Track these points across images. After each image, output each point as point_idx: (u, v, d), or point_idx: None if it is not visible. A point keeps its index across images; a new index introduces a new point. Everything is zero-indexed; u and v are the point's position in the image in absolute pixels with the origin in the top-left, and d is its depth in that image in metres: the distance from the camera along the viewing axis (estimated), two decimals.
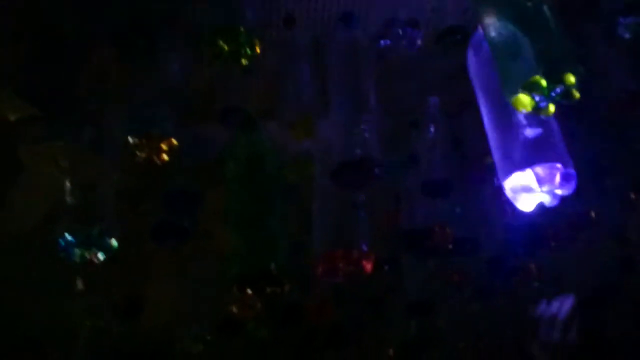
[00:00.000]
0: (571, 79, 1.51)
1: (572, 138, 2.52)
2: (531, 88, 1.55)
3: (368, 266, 2.02)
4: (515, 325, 3.99)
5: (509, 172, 1.80)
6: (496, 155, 1.90)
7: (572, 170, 1.72)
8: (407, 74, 2.51)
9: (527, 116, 1.86)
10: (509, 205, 2.36)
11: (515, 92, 1.59)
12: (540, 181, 1.72)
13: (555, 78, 1.51)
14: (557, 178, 1.71)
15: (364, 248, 1.98)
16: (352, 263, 1.99)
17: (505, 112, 1.87)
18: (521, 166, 1.76)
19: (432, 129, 2.45)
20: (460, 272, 3.10)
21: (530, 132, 1.83)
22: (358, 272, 2.00)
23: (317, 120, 2.36)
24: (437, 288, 3.16)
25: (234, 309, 2.74)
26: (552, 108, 1.57)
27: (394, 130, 2.54)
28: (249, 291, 1.99)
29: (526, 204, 1.78)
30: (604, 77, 2.47)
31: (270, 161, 2.32)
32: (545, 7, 1.63)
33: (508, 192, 1.82)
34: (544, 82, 1.52)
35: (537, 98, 1.57)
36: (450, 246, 2.68)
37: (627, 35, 2.27)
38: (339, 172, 1.89)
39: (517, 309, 3.72)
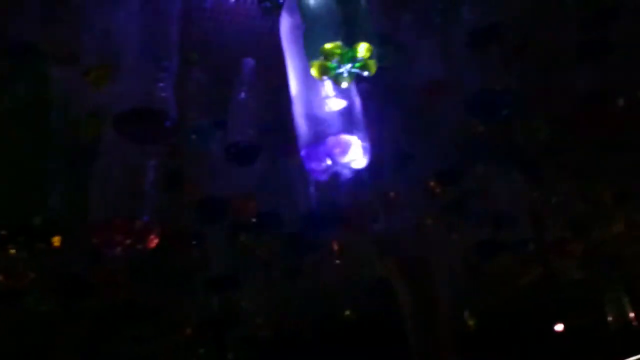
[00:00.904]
0: (365, 50, 1.48)
1: (380, 122, 2.59)
2: (328, 54, 1.49)
3: (153, 240, 1.81)
4: (319, 305, 4.07)
5: (308, 141, 1.74)
6: (300, 124, 1.83)
7: (367, 144, 1.70)
8: (222, 32, 2.34)
9: (333, 88, 1.82)
10: (311, 178, 2.32)
11: (315, 58, 1.53)
12: (336, 153, 1.68)
13: (349, 47, 1.48)
14: (352, 151, 1.69)
15: (147, 219, 1.77)
16: (133, 235, 1.78)
17: (311, 80, 1.81)
18: (320, 136, 1.71)
19: (244, 91, 2.31)
20: (266, 249, 3.04)
21: (333, 104, 1.79)
22: (142, 246, 1.80)
23: (116, 70, 2.10)
24: (242, 265, 3.07)
25: (1, 278, 2.36)
26: (346, 79, 1.54)
27: (204, 88, 2.37)
28: (12, 250, 1.71)
29: (322, 174, 1.74)
30: (412, 65, 2.56)
31: (56, 110, 2.02)
32: None
33: (307, 162, 1.76)
34: (339, 50, 1.48)
35: (337, 66, 1.53)
36: (254, 220, 2.59)
37: (437, 20, 2.36)
38: (125, 121, 1.67)
39: (321, 289, 3.79)
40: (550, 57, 2.82)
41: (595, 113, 2.73)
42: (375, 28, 1.63)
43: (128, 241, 1.79)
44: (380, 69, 1.58)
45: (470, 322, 3.65)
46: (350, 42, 1.52)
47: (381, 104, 2.39)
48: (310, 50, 1.57)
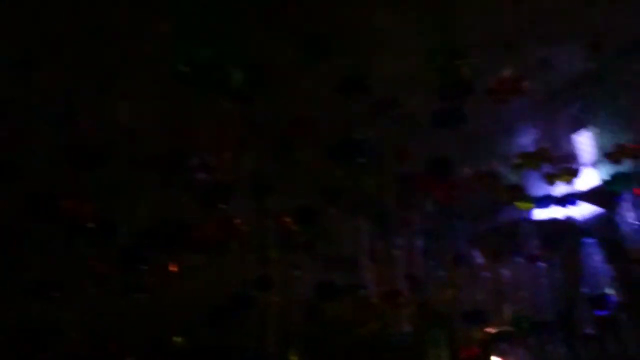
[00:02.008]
0: None
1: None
2: None
3: None
4: (150, 327, 3.85)
5: None
6: None
7: None
8: None
9: None
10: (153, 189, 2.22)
11: None
12: None
13: None
14: None
15: None
16: None
17: None
18: None
19: None
20: (100, 260, 2.84)
21: None
22: None
23: None
24: (71, 273, 2.84)
25: None
26: None
27: None
28: None
29: None
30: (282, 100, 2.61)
31: None
32: None
33: None
34: None
35: None
36: (92, 225, 2.42)
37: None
38: None
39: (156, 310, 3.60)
40: (411, 119, 3.02)
41: (439, 179, 2.94)
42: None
43: None
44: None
45: (293, 358, 3.66)
46: None
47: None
48: None
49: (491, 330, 3.76)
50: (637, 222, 3.76)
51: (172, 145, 2.20)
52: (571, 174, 3.24)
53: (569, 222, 3.89)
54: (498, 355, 4.40)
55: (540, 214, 3.89)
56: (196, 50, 1.52)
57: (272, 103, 2.84)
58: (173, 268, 2.81)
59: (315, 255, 3.26)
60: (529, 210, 3.75)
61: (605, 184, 3.17)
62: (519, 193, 3.28)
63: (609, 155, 2.90)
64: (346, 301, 3.34)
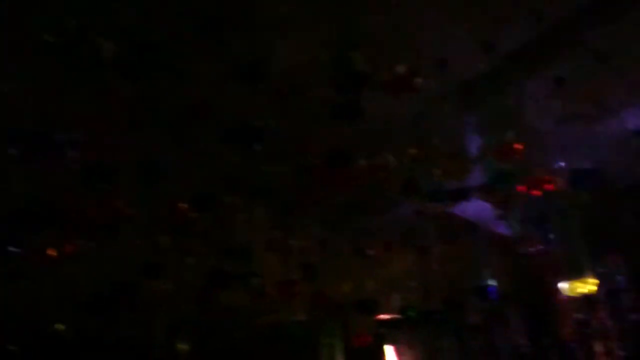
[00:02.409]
0: None
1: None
2: None
3: None
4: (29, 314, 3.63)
5: None
6: None
7: None
8: None
9: None
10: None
11: None
12: None
13: None
14: None
15: None
16: None
17: None
18: None
19: None
20: None
21: None
22: None
23: None
24: None
25: None
26: None
27: None
28: None
29: None
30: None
31: None
32: None
33: None
34: None
35: None
36: None
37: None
38: None
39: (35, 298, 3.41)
40: (309, 109, 3.02)
41: (337, 170, 2.97)
42: None
43: None
44: None
45: (182, 348, 3.59)
46: None
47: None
48: None
49: (382, 318, 3.87)
50: (523, 218, 3.98)
51: (37, 120, 2.05)
52: (463, 170, 3.39)
53: (460, 216, 4.07)
54: (390, 343, 4.56)
55: (434, 207, 4.03)
56: (63, 19, 1.42)
57: (169, 85, 2.74)
58: (52, 252, 2.64)
59: (210, 243, 3.20)
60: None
61: (491, 180, 3.32)
62: (413, 187, 3.38)
63: (494, 152, 3.05)
64: (240, 290, 3.31)
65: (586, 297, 3.76)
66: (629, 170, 3.89)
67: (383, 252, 3.79)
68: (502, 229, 4.26)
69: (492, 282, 3.51)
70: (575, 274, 3.23)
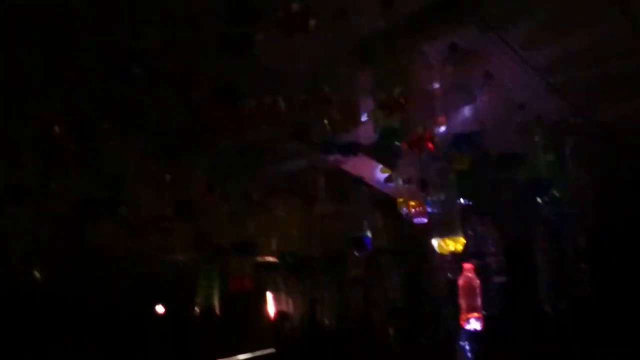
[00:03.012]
0: None
1: None
2: None
3: None
4: None
5: None
6: None
7: None
8: None
9: None
10: None
11: None
12: None
13: None
14: None
15: None
16: None
17: None
18: None
19: None
20: None
21: None
22: None
23: None
24: None
25: None
26: None
27: None
28: None
29: None
30: None
31: None
32: None
33: None
34: None
35: None
36: None
37: None
38: None
39: None
40: (196, 46, 2.89)
41: (224, 108, 2.89)
42: None
43: None
44: None
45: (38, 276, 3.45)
46: None
47: None
48: None
49: (260, 261, 3.90)
50: (406, 179, 4.09)
51: None
52: (352, 122, 3.41)
53: (348, 172, 4.15)
54: (270, 291, 4.62)
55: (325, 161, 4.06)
56: None
57: None
58: None
59: (79, 169, 3.03)
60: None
61: (379, 136, 3.38)
62: (303, 133, 3.38)
63: (381, 106, 3.09)
64: (109, 222, 3.20)
65: (456, 257, 3.99)
66: (509, 141, 4.09)
67: (268, 197, 3.80)
68: (387, 188, 4.40)
69: (368, 234, 3.62)
70: (446, 232, 3.38)
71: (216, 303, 3.83)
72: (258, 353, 6.42)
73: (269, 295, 4.64)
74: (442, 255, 4.05)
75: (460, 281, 4.22)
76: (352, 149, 3.83)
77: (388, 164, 4.24)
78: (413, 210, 3.94)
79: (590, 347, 5.25)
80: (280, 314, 4.63)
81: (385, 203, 4.31)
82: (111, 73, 2.51)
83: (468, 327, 4.04)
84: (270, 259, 3.92)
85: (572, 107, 3.85)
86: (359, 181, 4.02)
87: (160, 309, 5.33)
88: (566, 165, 3.77)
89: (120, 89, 2.75)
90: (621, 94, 3.75)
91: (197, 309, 3.79)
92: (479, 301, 4.20)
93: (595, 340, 5.26)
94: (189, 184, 3.42)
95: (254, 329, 5.80)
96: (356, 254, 3.90)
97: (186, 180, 3.42)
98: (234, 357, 6.50)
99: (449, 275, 4.33)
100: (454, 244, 3.43)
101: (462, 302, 4.14)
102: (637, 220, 5.07)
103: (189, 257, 3.75)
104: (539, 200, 3.69)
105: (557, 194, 3.63)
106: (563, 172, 3.72)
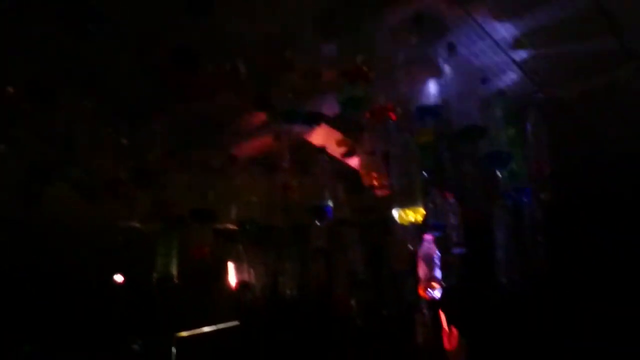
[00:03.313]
0: None
1: None
2: None
3: None
4: None
5: None
6: None
7: None
8: None
9: None
10: None
11: None
12: None
13: None
14: None
15: None
16: None
17: None
18: None
19: None
20: None
21: None
22: None
23: None
24: None
25: None
26: None
27: None
28: None
29: None
30: None
31: None
32: None
33: None
34: None
35: None
36: None
37: None
38: None
39: None
40: (155, 5, 2.80)
41: (183, 71, 2.82)
42: None
43: None
44: None
45: None
46: None
47: None
48: None
49: (220, 228, 3.87)
50: (370, 151, 4.08)
51: None
52: (314, 89, 3.38)
53: (313, 143, 4.13)
54: (233, 260, 4.60)
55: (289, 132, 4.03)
56: None
57: None
58: None
59: (32, 132, 2.93)
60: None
61: (341, 105, 3.35)
62: (264, 101, 3.34)
63: (345, 74, 3.06)
64: (64, 187, 3.11)
65: (416, 228, 4.02)
66: (472, 115, 4.10)
67: (229, 165, 3.75)
68: (351, 161, 4.40)
69: (329, 203, 3.63)
70: (406, 203, 3.39)
71: (175, 272, 3.79)
72: (222, 325, 6.41)
73: (231, 266, 4.61)
74: (404, 228, 4.07)
75: (420, 252, 4.26)
76: (316, 118, 3.81)
77: (351, 135, 4.23)
78: (376, 182, 3.95)
79: (546, 319, 5.42)
80: (241, 284, 4.61)
81: (348, 174, 4.31)
82: (67, 32, 2.41)
83: (427, 296, 4.10)
84: (231, 227, 3.88)
85: (535, 83, 3.89)
86: (321, 151, 4.01)
87: (119, 277, 5.24)
88: (526, 140, 3.80)
89: (77, 49, 2.65)
90: (582, 72, 3.79)
91: (156, 279, 3.74)
92: (438, 272, 4.24)
93: (550, 312, 5.42)
94: (146, 150, 3.34)
95: (216, 301, 5.77)
96: (317, 223, 3.89)
97: (144, 146, 3.34)
98: (198, 330, 6.47)
99: (409, 246, 4.36)
100: (414, 215, 3.45)
101: (421, 272, 4.19)
102: (593, 195, 5.20)
103: (147, 226, 3.69)
104: (498, 174, 3.74)
105: (516, 168, 3.68)
106: (523, 147, 3.76)
